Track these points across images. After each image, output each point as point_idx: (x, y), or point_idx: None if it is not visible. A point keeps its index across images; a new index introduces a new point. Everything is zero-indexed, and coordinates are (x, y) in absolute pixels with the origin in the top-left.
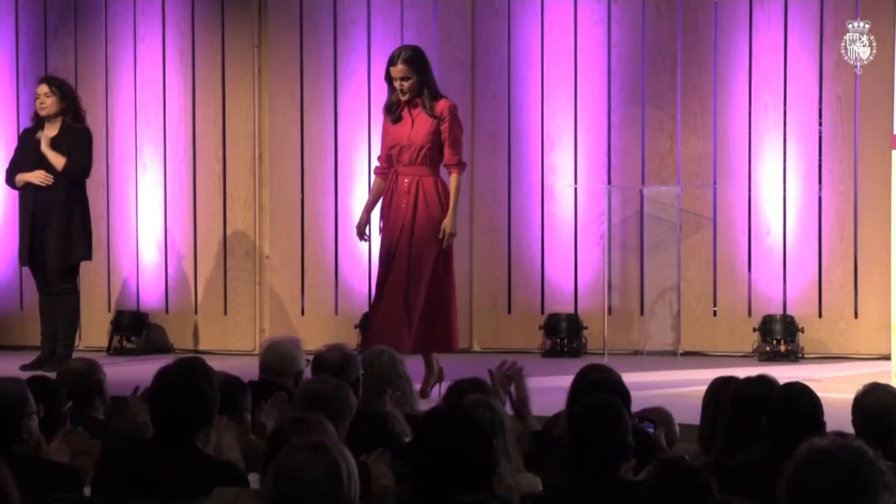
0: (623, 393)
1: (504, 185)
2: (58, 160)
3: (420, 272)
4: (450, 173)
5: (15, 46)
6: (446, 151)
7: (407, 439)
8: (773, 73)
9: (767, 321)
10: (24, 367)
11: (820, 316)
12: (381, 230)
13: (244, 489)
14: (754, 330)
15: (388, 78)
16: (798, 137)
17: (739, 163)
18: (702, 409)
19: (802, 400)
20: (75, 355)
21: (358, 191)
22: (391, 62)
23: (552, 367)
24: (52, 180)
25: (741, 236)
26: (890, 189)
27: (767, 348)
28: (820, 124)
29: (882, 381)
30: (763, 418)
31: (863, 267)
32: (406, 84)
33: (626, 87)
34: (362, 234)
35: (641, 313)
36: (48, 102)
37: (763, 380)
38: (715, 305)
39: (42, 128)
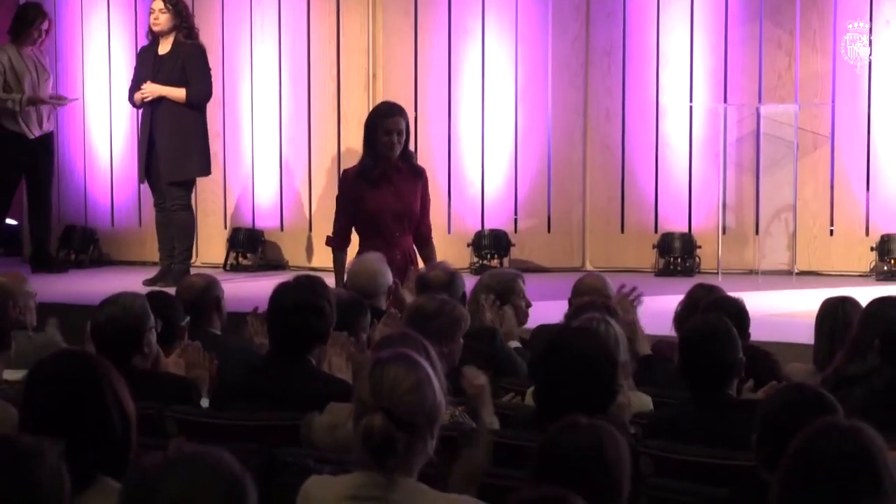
0: (739, 312)
1: (618, 104)
2: (177, 94)
3: None
4: (429, 243)
5: None
6: (426, 219)
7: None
8: None
9: (885, 240)
10: (146, 282)
11: None
12: None
13: None
14: (872, 249)
15: (375, 133)
16: None
17: (858, 80)
18: (815, 328)
19: None
20: (192, 271)
21: (471, 108)
22: (388, 114)
23: (665, 286)
24: (151, 94)
25: (859, 155)
26: None
27: (885, 267)
28: None
29: None
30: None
31: None
32: (402, 140)
33: (744, 3)
34: None
35: (756, 233)
36: (162, 19)
37: (887, 300)
38: (832, 225)
39: (157, 44)
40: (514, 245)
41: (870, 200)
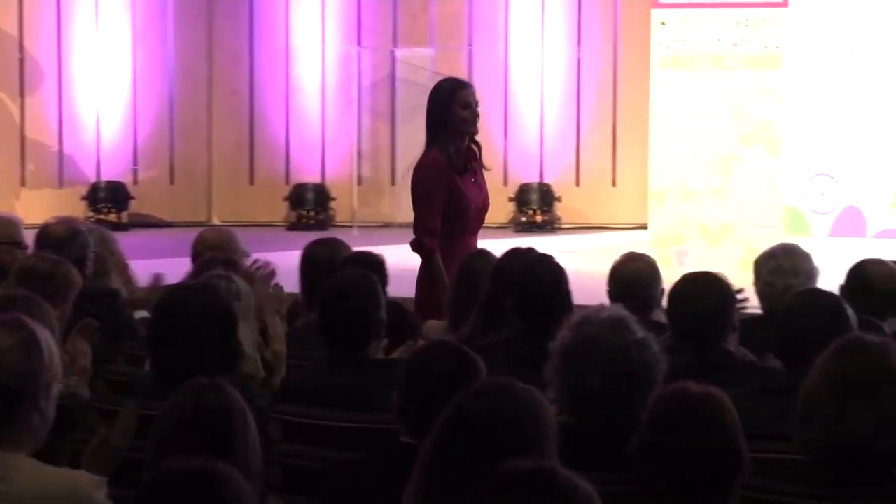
0: (378, 267)
1: (245, 45)
2: None
3: None
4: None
5: None
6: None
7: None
8: None
9: (523, 190)
10: None
11: (578, 184)
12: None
13: None
14: (510, 200)
15: (451, 110)
16: None
17: (496, 23)
18: (451, 285)
19: (544, 273)
20: None
21: (84, 47)
22: (461, 86)
23: (298, 240)
24: None
25: (497, 100)
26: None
27: (523, 219)
28: None
29: (639, 250)
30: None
31: (622, 133)
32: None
33: None
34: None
35: (393, 183)
36: None
37: (516, 254)
38: None
39: None
40: (133, 198)
41: (508, 148)
